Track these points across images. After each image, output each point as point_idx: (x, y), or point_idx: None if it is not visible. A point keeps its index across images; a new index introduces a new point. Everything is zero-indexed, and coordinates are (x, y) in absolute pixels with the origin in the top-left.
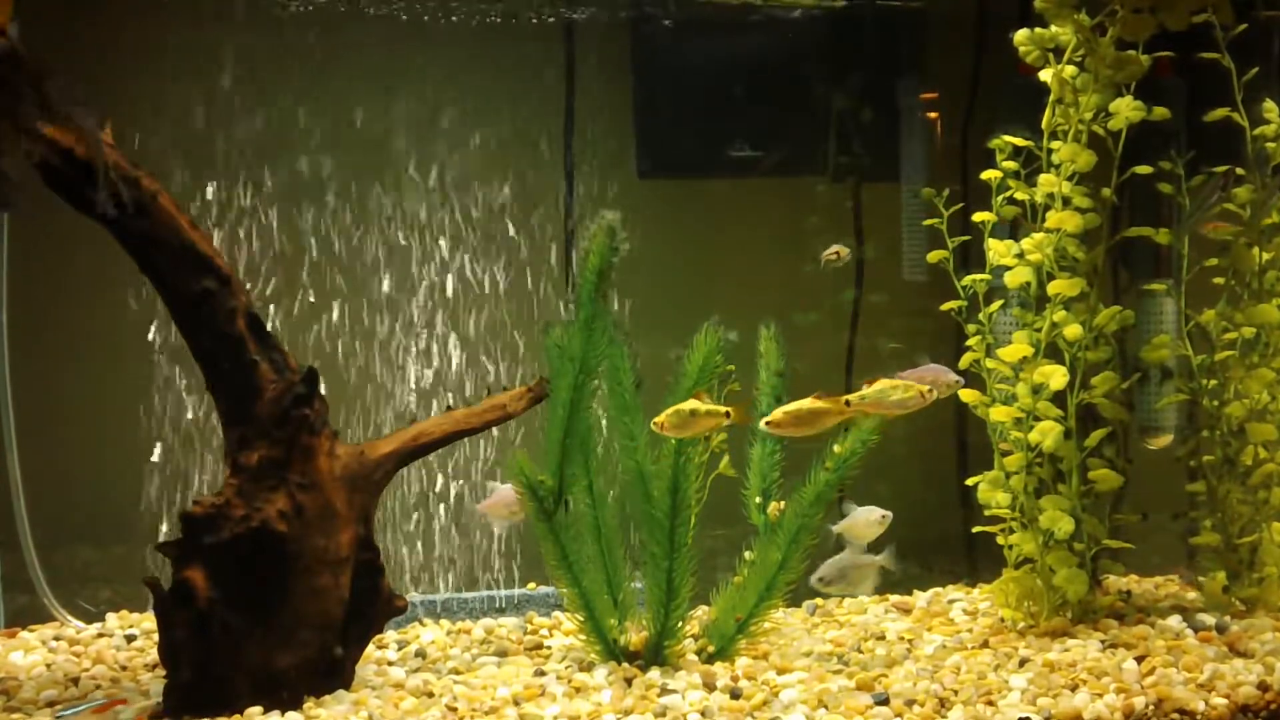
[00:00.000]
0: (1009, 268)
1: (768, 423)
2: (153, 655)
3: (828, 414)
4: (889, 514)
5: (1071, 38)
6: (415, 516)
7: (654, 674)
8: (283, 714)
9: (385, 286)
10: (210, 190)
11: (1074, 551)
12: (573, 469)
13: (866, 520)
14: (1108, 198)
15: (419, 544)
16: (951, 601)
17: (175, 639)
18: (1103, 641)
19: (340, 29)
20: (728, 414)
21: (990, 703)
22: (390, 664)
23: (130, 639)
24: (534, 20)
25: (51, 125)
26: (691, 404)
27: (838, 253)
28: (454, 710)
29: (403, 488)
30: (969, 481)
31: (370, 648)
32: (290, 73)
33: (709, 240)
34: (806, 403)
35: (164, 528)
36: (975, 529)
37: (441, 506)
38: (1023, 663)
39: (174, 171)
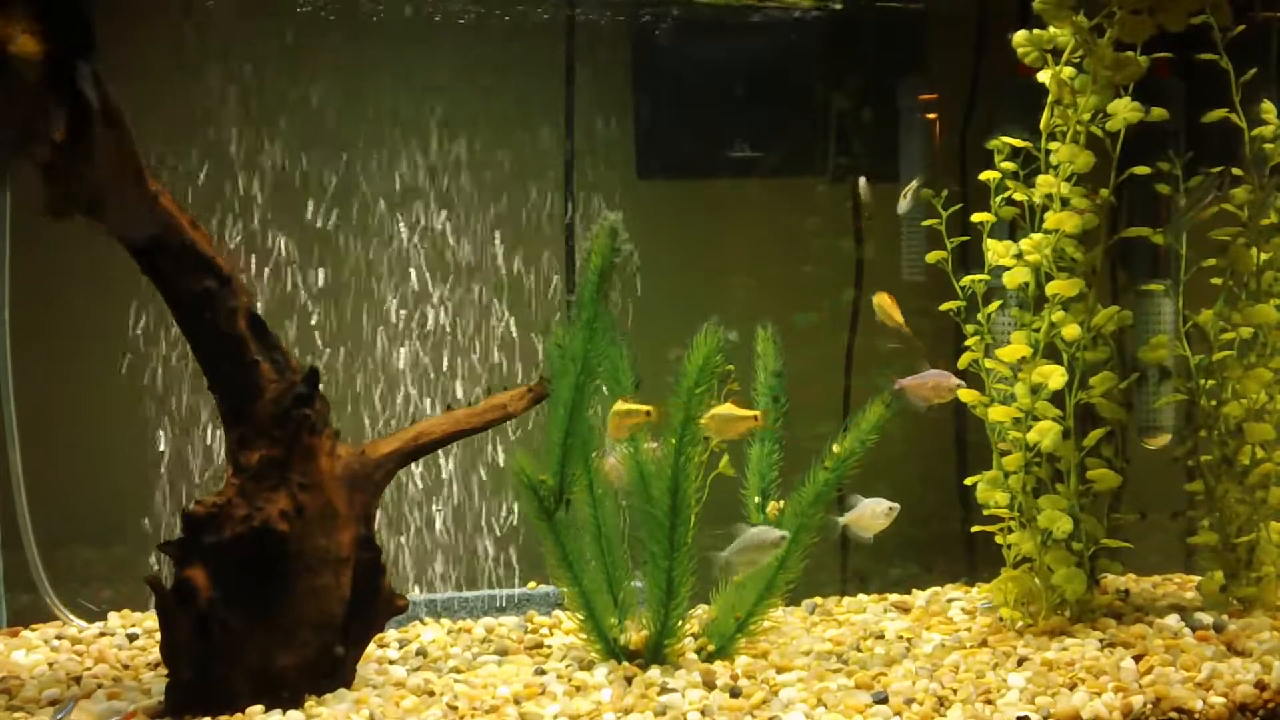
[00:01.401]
0: (1007, 268)
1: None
2: (154, 654)
3: (741, 420)
4: (896, 505)
5: (1070, 39)
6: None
7: (654, 673)
8: (284, 713)
9: (376, 285)
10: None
11: (1072, 551)
12: (573, 469)
13: (874, 512)
14: (1106, 198)
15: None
16: (950, 600)
17: (177, 638)
18: (1101, 640)
19: (338, 28)
20: (648, 413)
21: (989, 701)
22: (391, 663)
23: (132, 638)
24: (534, 20)
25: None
26: (619, 405)
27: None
28: (455, 709)
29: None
30: (968, 481)
31: (371, 647)
32: (287, 73)
33: (709, 240)
34: (724, 408)
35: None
36: (974, 528)
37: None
38: (1021, 661)
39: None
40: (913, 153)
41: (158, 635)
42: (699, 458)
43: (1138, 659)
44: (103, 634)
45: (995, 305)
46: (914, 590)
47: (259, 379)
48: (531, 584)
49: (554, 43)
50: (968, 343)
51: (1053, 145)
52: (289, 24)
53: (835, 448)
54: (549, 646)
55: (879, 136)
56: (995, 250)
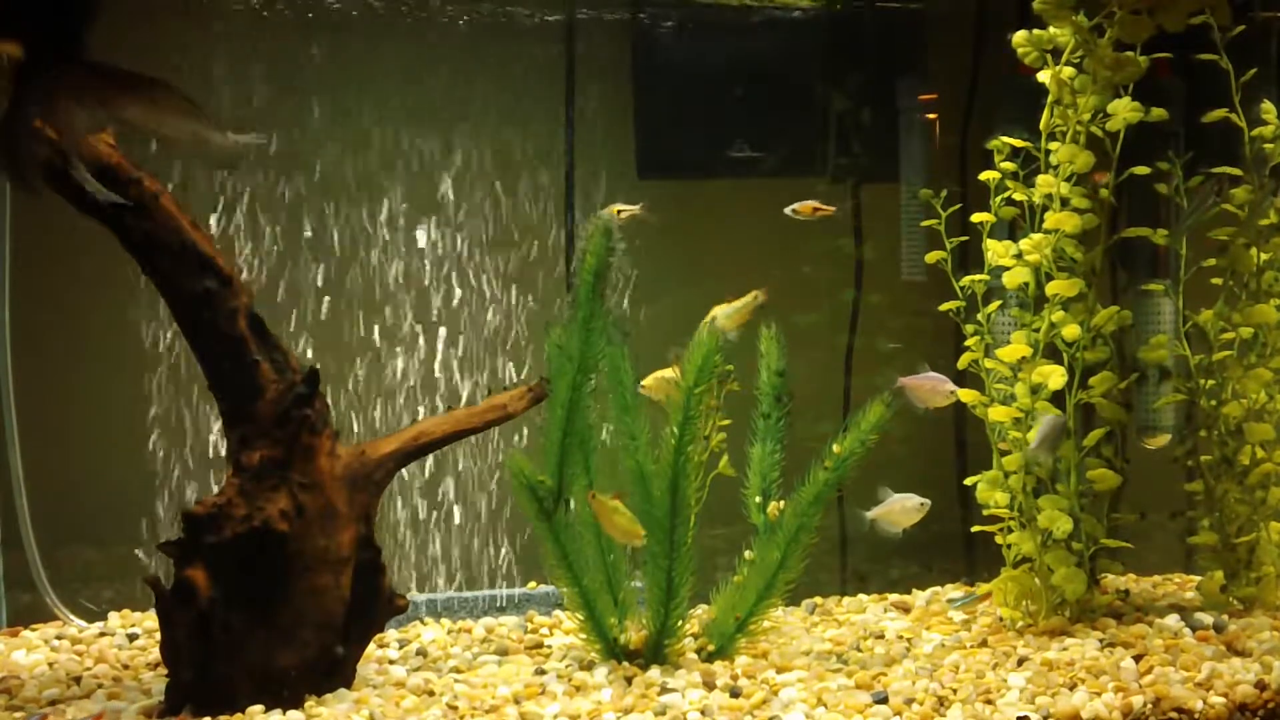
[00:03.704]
0: (1007, 268)
1: (642, 386)
2: (154, 654)
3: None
4: (927, 501)
5: (1070, 39)
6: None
7: (654, 673)
8: (284, 713)
9: (379, 285)
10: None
11: (1072, 551)
12: (572, 469)
13: (903, 508)
14: (1106, 198)
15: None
16: (950, 600)
17: (177, 638)
18: (1101, 640)
19: (336, 27)
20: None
21: (989, 701)
22: (391, 663)
23: (132, 638)
24: (534, 20)
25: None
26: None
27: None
28: (455, 709)
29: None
30: (968, 481)
31: (371, 647)
32: (286, 73)
33: (709, 240)
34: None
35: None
36: (974, 528)
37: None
38: (1021, 661)
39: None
40: (912, 153)
41: (158, 635)
42: (699, 457)
43: (1138, 659)
44: (103, 634)
45: (995, 305)
46: (914, 590)
47: (259, 379)
48: (531, 584)
49: (554, 42)
50: (968, 343)
51: (1053, 145)
52: (282, 22)
53: (835, 448)
54: (549, 646)
55: (878, 136)
56: (995, 250)
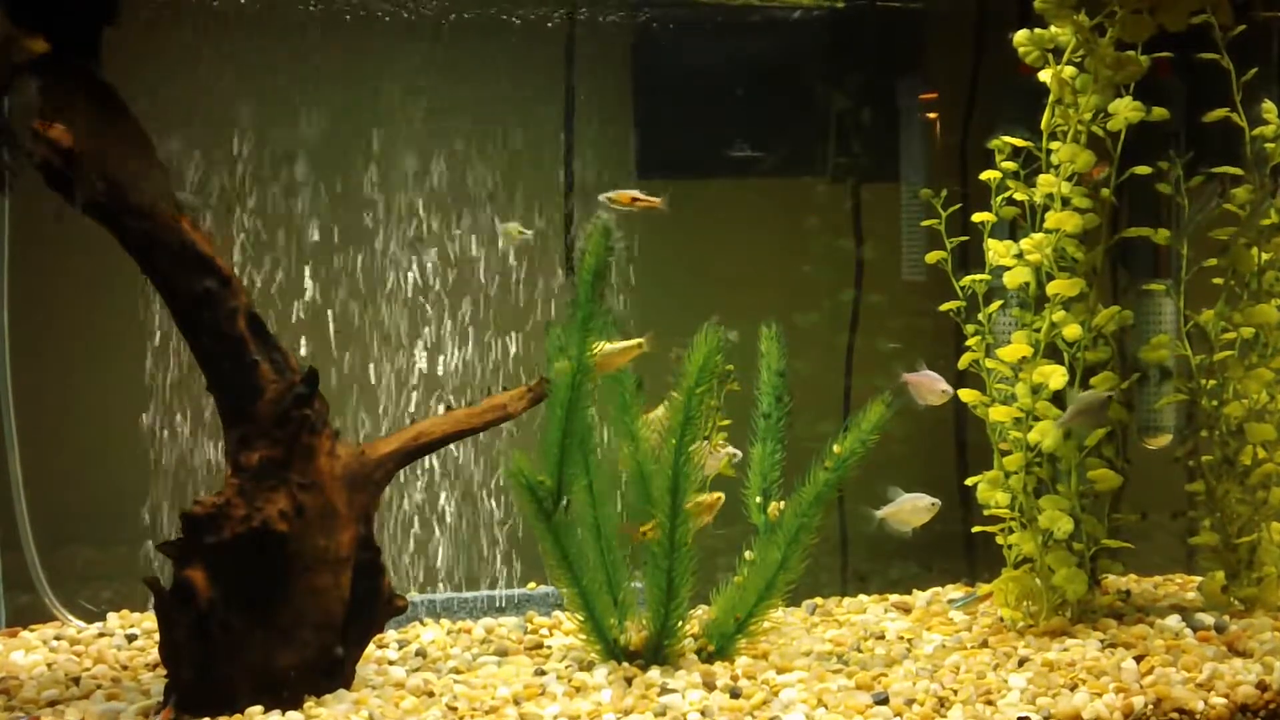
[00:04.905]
0: (1008, 268)
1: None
2: (154, 655)
3: (626, 351)
4: (938, 501)
5: (1071, 38)
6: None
7: (654, 673)
8: (283, 713)
9: (379, 284)
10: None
11: (1073, 551)
12: (572, 469)
13: (913, 507)
14: (1107, 198)
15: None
16: (951, 601)
17: (176, 638)
18: (1102, 641)
19: (336, 26)
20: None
21: (989, 702)
22: (391, 663)
23: (131, 638)
24: (534, 19)
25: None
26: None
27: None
28: (454, 710)
29: None
30: (968, 481)
31: (371, 647)
32: (285, 73)
33: (709, 240)
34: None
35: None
36: (975, 529)
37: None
38: (1022, 662)
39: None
40: (913, 152)
41: (156, 636)
42: (699, 458)
43: (1139, 660)
44: (101, 634)
45: (996, 305)
46: (914, 590)
47: (259, 379)
48: (531, 584)
49: (554, 42)
50: (968, 343)
51: (1054, 145)
52: (280, 23)
53: (836, 448)
54: (549, 647)
55: (879, 136)
56: (996, 250)
